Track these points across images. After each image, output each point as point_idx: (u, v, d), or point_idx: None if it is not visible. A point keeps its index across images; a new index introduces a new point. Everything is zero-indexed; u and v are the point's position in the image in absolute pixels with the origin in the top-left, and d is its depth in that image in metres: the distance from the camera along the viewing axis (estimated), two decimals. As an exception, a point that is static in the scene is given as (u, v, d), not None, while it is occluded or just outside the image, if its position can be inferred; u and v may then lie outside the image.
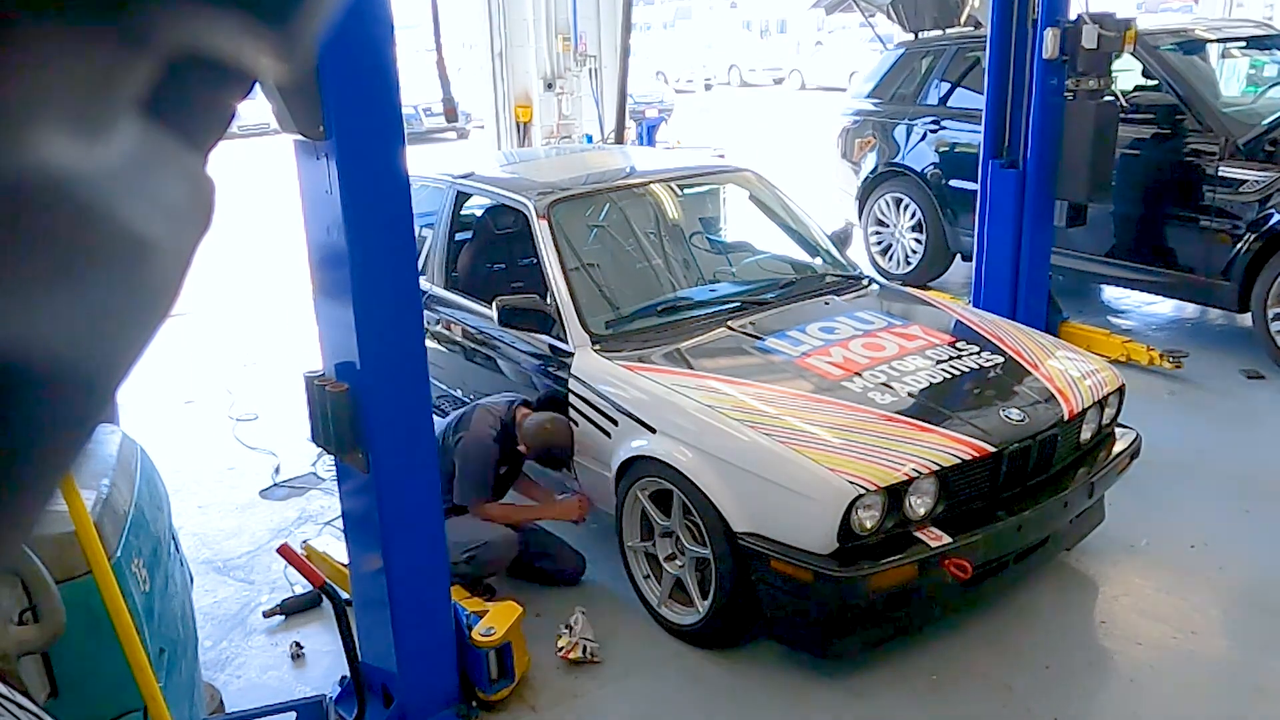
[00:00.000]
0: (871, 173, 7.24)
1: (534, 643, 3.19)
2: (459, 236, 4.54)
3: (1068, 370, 3.47)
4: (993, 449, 2.99)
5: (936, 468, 2.90)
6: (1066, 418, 3.22)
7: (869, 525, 2.85)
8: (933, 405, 3.14)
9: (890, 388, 3.21)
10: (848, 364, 3.35)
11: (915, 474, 2.87)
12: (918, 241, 6.98)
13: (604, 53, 10.51)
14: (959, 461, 2.93)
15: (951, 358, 3.42)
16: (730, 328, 3.64)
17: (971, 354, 3.46)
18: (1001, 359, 3.46)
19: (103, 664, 1.79)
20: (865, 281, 4.18)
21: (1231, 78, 6.93)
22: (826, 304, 3.87)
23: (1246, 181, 5.27)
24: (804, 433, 2.97)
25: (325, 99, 2.33)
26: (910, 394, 3.18)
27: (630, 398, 3.32)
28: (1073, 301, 6.09)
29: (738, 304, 3.85)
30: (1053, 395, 3.29)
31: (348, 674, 2.84)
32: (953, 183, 6.62)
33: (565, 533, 3.80)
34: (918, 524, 2.94)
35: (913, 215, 6.98)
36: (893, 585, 2.90)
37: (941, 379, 3.28)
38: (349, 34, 2.29)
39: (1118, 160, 5.66)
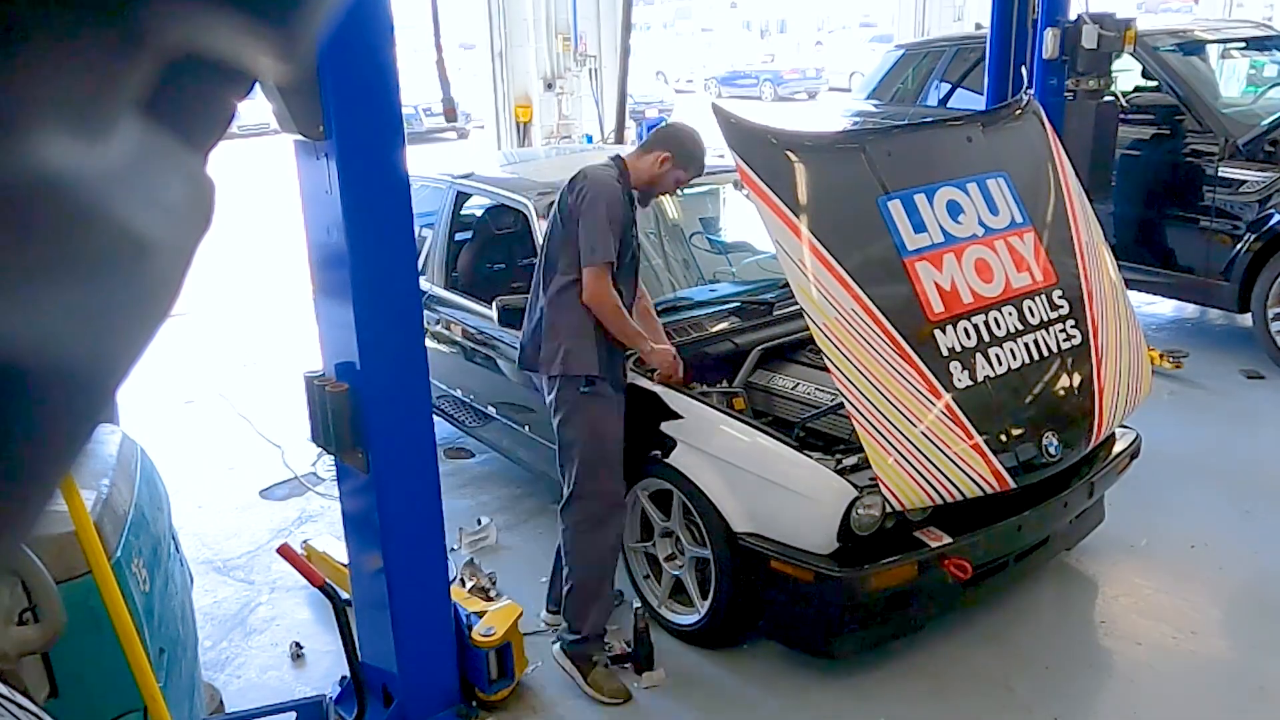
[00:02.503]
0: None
1: (533, 643, 3.19)
2: (459, 236, 4.54)
3: (1121, 374, 3.31)
4: (1014, 485, 2.94)
5: (960, 497, 2.85)
6: (1090, 444, 3.17)
7: (869, 525, 2.84)
8: (995, 403, 3.01)
9: (973, 361, 3.02)
10: (951, 296, 3.08)
11: (940, 500, 2.83)
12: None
13: (604, 53, 10.52)
14: (980, 494, 2.88)
15: (1041, 323, 3.21)
16: (866, 153, 3.21)
17: (1058, 319, 3.25)
18: (1079, 337, 3.27)
19: (103, 664, 1.79)
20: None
21: (1231, 78, 6.93)
22: (969, 141, 3.47)
23: (1246, 182, 5.27)
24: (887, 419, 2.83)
25: (325, 99, 2.33)
26: (986, 378, 3.02)
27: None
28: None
29: (737, 304, 3.84)
30: (1092, 417, 3.17)
31: (348, 674, 2.84)
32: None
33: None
34: (917, 524, 2.94)
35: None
36: (893, 585, 2.90)
37: (1020, 364, 3.10)
38: (349, 34, 2.29)
39: (1117, 160, 5.67)
